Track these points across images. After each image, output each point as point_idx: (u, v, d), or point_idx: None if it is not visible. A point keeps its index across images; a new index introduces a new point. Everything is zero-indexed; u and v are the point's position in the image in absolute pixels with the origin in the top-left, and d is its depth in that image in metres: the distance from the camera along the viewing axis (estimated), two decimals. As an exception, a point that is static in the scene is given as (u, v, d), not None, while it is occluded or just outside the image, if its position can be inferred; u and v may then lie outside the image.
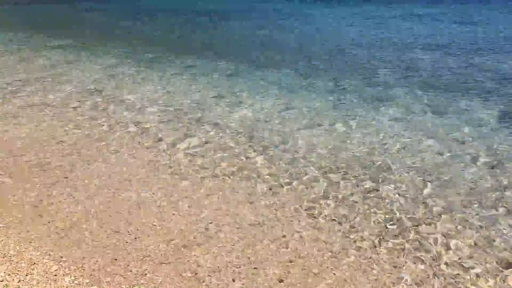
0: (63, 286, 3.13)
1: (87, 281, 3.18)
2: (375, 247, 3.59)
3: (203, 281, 3.18)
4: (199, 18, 20.06)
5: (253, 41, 14.01)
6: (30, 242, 3.65)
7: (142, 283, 3.17)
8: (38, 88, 8.64)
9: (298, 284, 3.15)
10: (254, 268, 3.32)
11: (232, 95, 7.96)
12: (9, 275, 3.23)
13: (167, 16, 21.50)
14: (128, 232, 3.81)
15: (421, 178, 4.76)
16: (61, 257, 3.46)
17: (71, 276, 3.23)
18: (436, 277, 3.25)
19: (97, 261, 3.41)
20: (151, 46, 13.18)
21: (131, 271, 3.30)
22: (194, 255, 3.48)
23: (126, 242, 3.66)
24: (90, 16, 22.28)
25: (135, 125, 6.47)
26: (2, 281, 3.16)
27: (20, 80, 9.29)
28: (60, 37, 15.02)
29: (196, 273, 3.27)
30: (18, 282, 3.16)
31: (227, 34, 15.53)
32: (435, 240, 3.69)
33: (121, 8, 25.33)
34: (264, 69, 9.94)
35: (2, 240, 3.67)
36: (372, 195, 4.42)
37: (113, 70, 10.16)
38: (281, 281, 3.18)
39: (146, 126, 6.44)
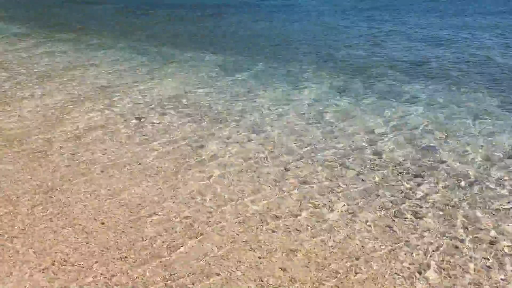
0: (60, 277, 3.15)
1: (86, 273, 3.20)
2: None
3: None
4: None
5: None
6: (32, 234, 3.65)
7: (141, 274, 3.18)
8: None
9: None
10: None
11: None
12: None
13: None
14: (128, 223, 3.83)
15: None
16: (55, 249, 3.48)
17: (68, 268, 3.24)
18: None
19: (94, 252, 3.44)
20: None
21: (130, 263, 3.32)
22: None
23: (123, 232, 3.67)
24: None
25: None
26: (0, 272, 3.18)
27: None
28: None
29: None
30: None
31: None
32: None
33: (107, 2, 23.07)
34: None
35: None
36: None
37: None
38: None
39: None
